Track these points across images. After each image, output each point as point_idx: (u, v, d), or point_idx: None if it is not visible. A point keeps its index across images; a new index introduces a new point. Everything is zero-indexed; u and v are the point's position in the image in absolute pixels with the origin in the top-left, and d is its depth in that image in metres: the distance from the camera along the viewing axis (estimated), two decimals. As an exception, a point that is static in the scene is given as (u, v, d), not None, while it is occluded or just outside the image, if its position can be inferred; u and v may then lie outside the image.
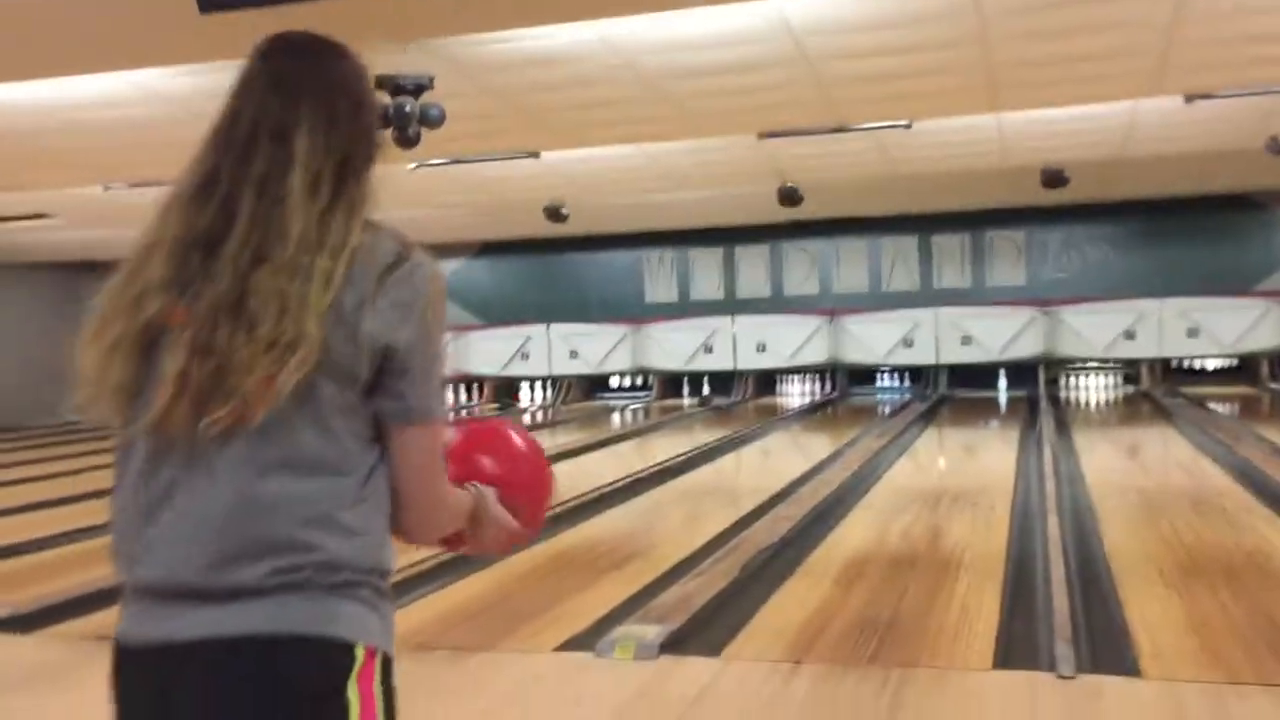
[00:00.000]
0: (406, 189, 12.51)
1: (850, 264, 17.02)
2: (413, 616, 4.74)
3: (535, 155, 10.74)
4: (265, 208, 1.43)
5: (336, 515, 1.41)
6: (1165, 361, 15.67)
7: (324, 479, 1.41)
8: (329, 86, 1.54)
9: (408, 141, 6.98)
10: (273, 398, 1.36)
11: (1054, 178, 12.08)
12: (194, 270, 1.43)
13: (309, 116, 1.49)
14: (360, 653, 1.42)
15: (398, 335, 1.43)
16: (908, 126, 9.79)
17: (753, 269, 17.45)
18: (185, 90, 8.07)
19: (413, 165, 10.92)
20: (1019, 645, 4.01)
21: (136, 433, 1.43)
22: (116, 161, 10.22)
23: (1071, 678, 3.58)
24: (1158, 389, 15.02)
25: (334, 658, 1.40)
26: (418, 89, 6.86)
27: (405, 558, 5.86)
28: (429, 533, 1.57)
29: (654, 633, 4.13)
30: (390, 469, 1.48)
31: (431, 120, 7.07)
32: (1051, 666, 3.67)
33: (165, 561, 1.40)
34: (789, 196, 12.88)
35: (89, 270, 19.32)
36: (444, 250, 18.42)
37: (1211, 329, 15.05)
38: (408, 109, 6.84)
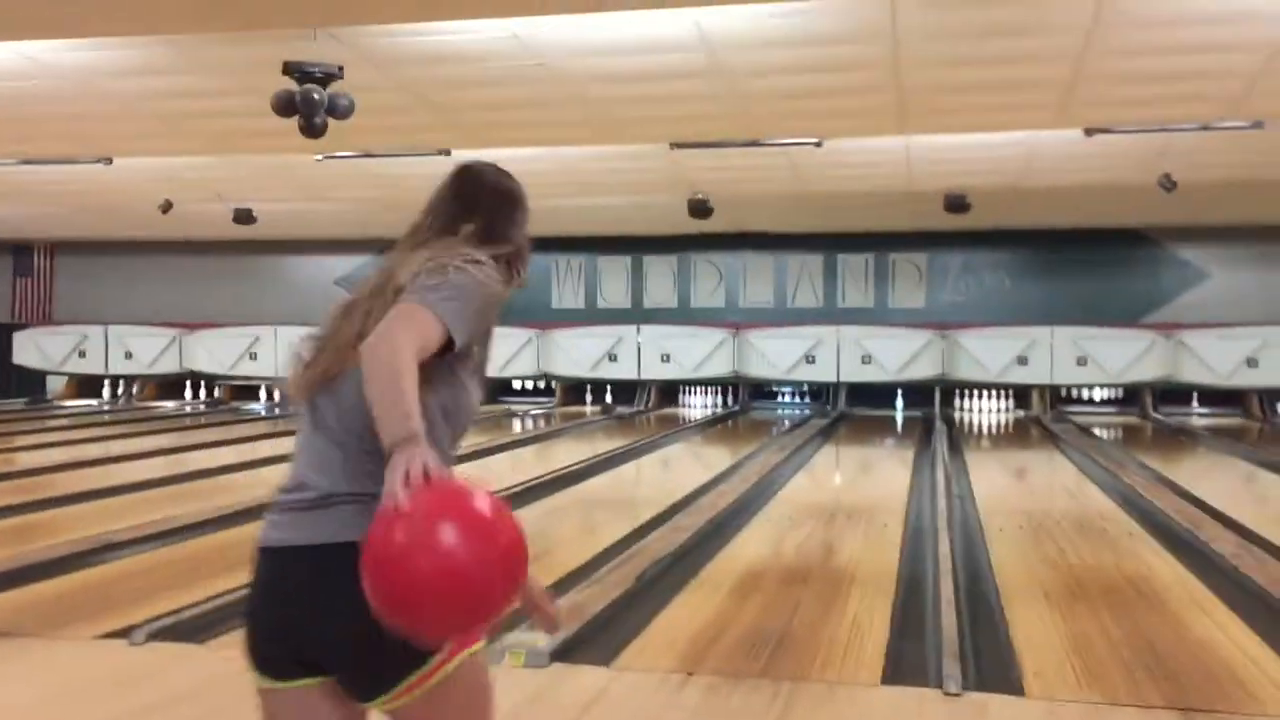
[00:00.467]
0: (312, 180, 12.27)
1: (757, 279, 17.16)
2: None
3: (446, 153, 10.59)
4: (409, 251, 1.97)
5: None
6: (1055, 388, 16.11)
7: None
8: (497, 199, 2.10)
9: (314, 131, 6.83)
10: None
11: (956, 203, 12.33)
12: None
13: (478, 218, 2.05)
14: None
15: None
16: (818, 145, 9.90)
17: (660, 279, 17.49)
18: (77, 65, 7.79)
19: (319, 156, 10.70)
20: (908, 661, 4.04)
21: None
22: (5, 135, 9.82)
23: (958, 695, 3.61)
24: (1047, 414, 15.43)
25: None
26: (326, 78, 6.71)
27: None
28: (374, 347, 1.71)
29: (545, 640, 4.06)
30: None
31: (340, 110, 6.93)
32: (939, 683, 3.70)
33: (284, 485, 1.92)
34: (699, 208, 12.94)
35: (-28, 248, 18.56)
36: (347, 246, 18.13)
37: (1099, 358, 15.52)
38: (315, 97, 6.68)
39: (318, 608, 1.77)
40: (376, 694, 1.79)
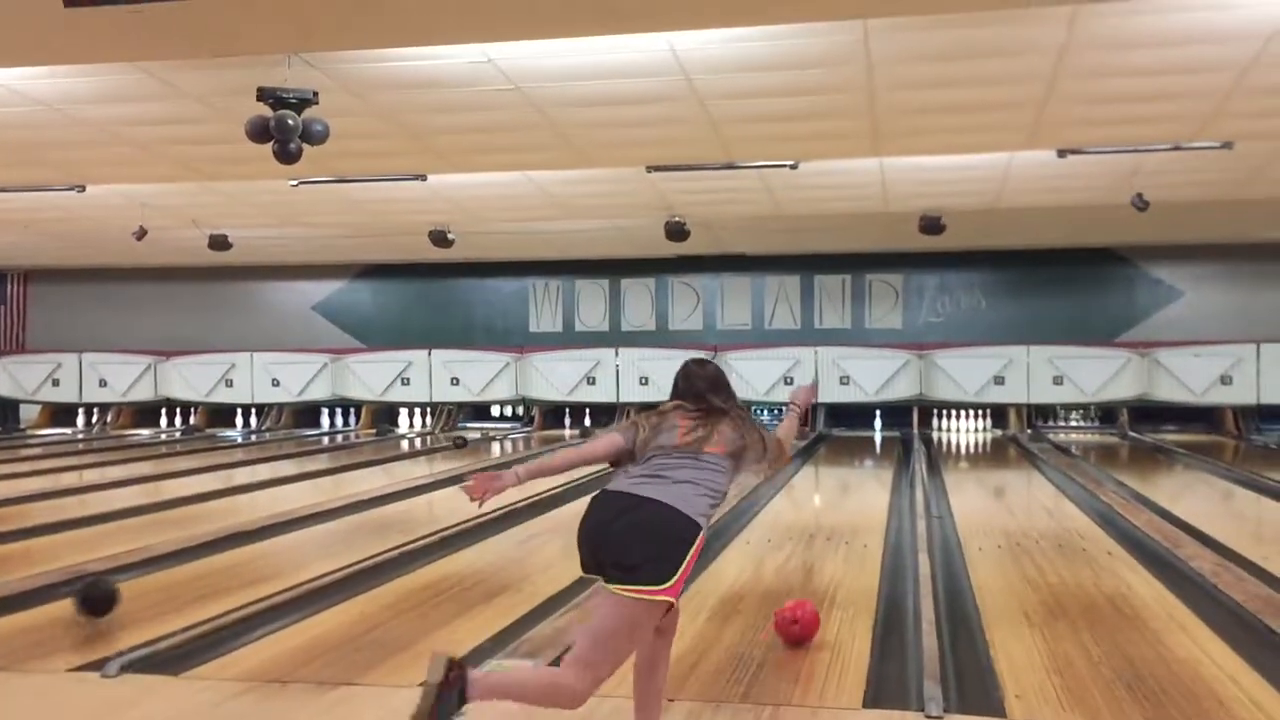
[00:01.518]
0: (287, 206, 12.23)
1: (734, 301, 17.21)
2: (269, 648, 4.56)
3: (422, 178, 10.58)
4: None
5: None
6: (1031, 407, 16.21)
7: None
8: (718, 376, 3.55)
9: (288, 156, 6.80)
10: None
11: (931, 224, 12.40)
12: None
13: (713, 387, 3.49)
14: (697, 534, 3.13)
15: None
16: (794, 167, 9.94)
17: (638, 302, 17.51)
18: (50, 92, 7.76)
19: (294, 182, 10.67)
20: (889, 684, 4.03)
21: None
22: (-23, 163, 9.75)
23: (940, 717, 3.60)
24: (1024, 434, 15.50)
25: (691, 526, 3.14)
26: (300, 103, 6.69)
27: (258, 589, 5.63)
28: (785, 454, 3.77)
29: (525, 667, 4.03)
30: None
31: (314, 136, 6.90)
32: (920, 706, 3.69)
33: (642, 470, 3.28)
34: (676, 231, 12.97)
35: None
36: (325, 271, 18.08)
37: (1075, 377, 15.62)
38: (290, 122, 6.66)
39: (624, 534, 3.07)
40: (614, 580, 2.99)
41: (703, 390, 3.45)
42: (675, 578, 2.99)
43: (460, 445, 14.13)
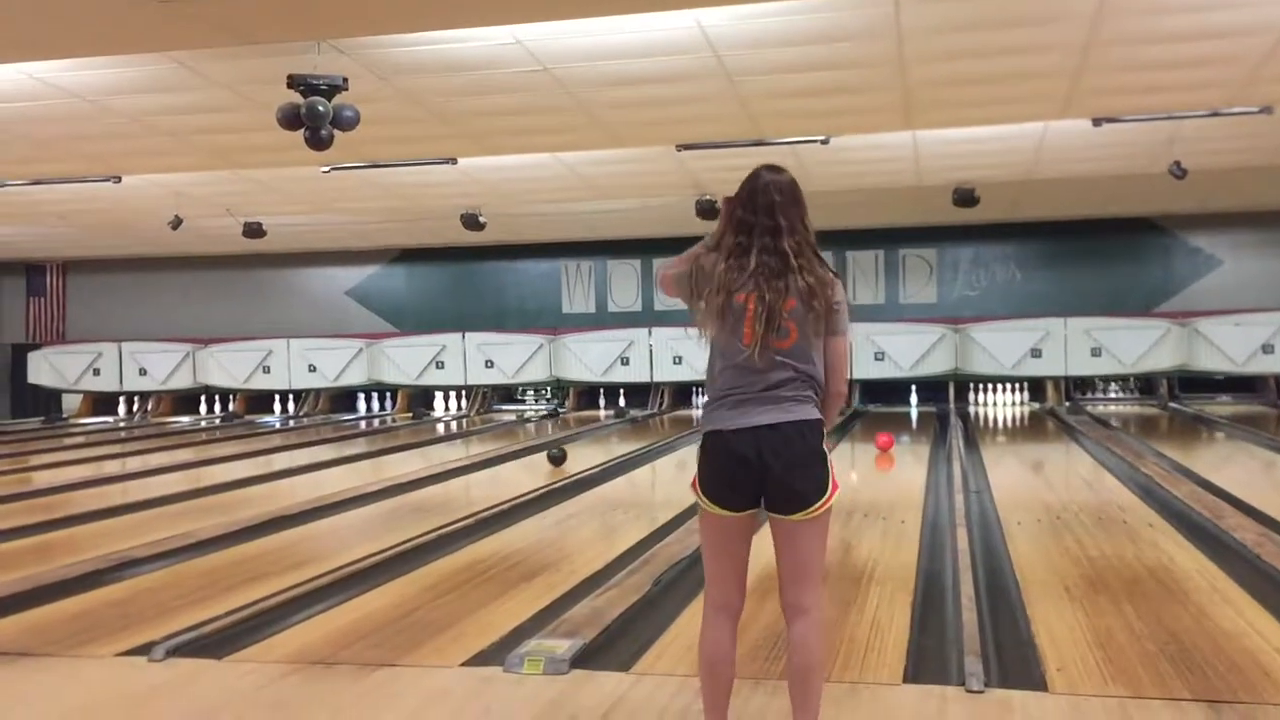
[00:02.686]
0: (320, 192, 12.29)
1: (766, 278, 17.12)
2: (312, 631, 4.61)
3: (453, 161, 10.61)
4: (772, 236, 2.98)
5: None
6: (1069, 380, 16.07)
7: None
8: (794, 189, 3.02)
9: (320, 143, 6.84)
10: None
11: (965, 196, 12.29)
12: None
13: (787, 201, 3.00)
14: (823, 429, 3.05)
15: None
16: (825, 142, 9.87)
17: (670, 281, 17.47)
18: (83, 84, 7.83)
19: (326, 168, 10.72)
20: (929, 659, 4.02)
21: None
22: (14, 156, 9.87)
23: (981, 692, 3.59)
24: (1062, 406, 15.36)
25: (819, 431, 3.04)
26: (331, 89, 6.72)
27: (300, 572, 5.69)
28: (843, 394, 3.19)
29: (564, 647, 4.06)
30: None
31: (345, 122, 6.93)
32: (961, 681, 3.68)
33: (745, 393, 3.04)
34: (707, 209, 12.92)
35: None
36: (358, 256, 18.18)
37: (1114, 348, 15.46)
38: (320, 109, 6.68)
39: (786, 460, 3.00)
40: (796, 512, 3.05)
41: (775, 205, 2.95)
42: (830, 479, 3.05)
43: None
